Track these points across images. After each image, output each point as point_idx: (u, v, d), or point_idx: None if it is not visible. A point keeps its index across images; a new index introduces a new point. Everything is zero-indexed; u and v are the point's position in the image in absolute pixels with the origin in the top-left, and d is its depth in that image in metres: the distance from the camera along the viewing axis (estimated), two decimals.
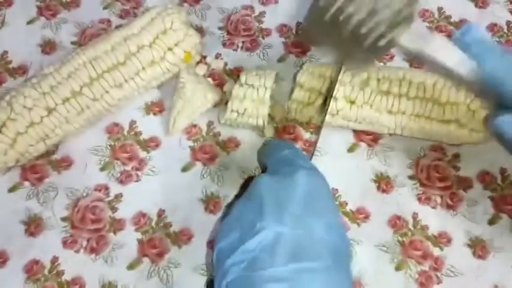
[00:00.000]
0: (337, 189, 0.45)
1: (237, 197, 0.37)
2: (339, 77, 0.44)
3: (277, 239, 0.32)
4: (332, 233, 0.33)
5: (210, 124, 0.49)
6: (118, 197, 0.46)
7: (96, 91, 0.46)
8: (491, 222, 0.44)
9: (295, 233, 0.32)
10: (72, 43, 0.54)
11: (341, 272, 0.32)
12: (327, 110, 0.45)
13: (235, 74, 0.51)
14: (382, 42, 0.33)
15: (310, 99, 0.47)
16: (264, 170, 0.40)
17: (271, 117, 0.48)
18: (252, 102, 0.46)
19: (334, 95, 0.45)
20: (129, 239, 0.44)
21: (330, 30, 0.35)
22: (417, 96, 0.44)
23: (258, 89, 0.46)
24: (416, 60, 0.35)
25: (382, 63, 0.52)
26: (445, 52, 0.33)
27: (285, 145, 0.40)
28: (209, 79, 0.51)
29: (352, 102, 0.45)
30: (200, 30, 0.54)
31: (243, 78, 0.47)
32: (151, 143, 0.48)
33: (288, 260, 0.31)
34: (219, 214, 0.45)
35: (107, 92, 0.46)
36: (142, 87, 0.48)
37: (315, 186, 0.35)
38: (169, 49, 0.48)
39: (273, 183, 0.35)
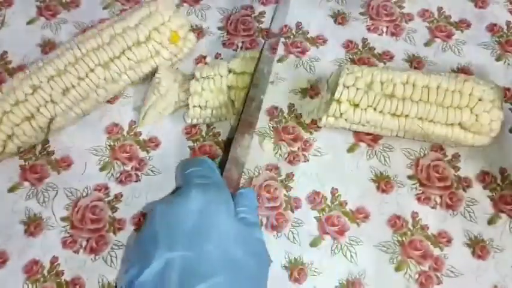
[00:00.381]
0: (336, 189, 0.45)
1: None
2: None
3: (168, 267, 0.32)
4: (230, 246, 0.33)
5: (210, 124, 0.49)
6: (118, 196, 0.46)
7: (80, 69, 0.46)
8: (491, 222, 0.44)
9: (186, 256, 0.32)
10: None
11: (239, 283, 0.33)
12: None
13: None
14: None
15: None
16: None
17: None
18: (211, 93, 0.46)
19: (338, 98, 0.45)
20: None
21: None
22: (421, 100, 0.44)
23: (213, 79, 0.47)
24: None
25: (382, 64, 0.52)
26: None
27: (189, 163, 0.41)
28: None
29: (356, 105, 0.45)
30: (200, 30, 0.54)
31: (197, 73, 0.47)
32: (151, 143, 0.48)
33: (178, 286, 0.31)
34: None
35: (91, 70, 0.46)
36: (130, 69, 0.48)
37: (209, 203, 0.35)
38: (155, 29, 0.48)
39: (167, 208, 0.36)
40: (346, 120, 0.46)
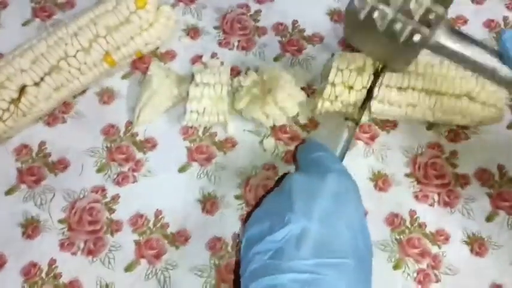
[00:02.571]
0: None
1: (269, 192, 0.38)
2: (380, 79, 0.45)
3: (304, 234, 0.32)
4: (357, 235, 0.34)
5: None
6: (115, 198, 0.46)
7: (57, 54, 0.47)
8: (489, 219, 0.44)
9: (322, 230, 0.33)
10: None
11: (361, 273, 0.33)
12: (364, 108, 0.44)
13: (231, 73, 0.51)
14: (417, 38, 0.35)
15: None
16: (297, 167, 0.40)
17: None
18: (210, 100, 0.46)
19: (333, 80, 0.45)
20: (126, 240, 0.44)
21: (366, 31, 0.37)
22: (426, 72, 0.44)
23: (214, 86, 0.46)
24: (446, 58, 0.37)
25: None
26: (484, 55, 0.36)
27: (317, 147, 0.40)
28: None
29: (351, 87, 0.45)
30: (196, 30, 0.54)
31: (197, 77, 0.46)
32: (148, 144, 0.48)
33: (311, 254, 0.32)
34: (217, 214, 0.45)
35: (65, 44, 0.47)
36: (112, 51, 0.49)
37: (344, 189, 0.36)
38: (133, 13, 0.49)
39: (305, 181, 0.36)
40: (341, 103, 0.46)
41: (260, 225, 0.34)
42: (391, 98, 0.45)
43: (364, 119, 0.48)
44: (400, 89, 0.45)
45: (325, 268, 0.32)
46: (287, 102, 0.46)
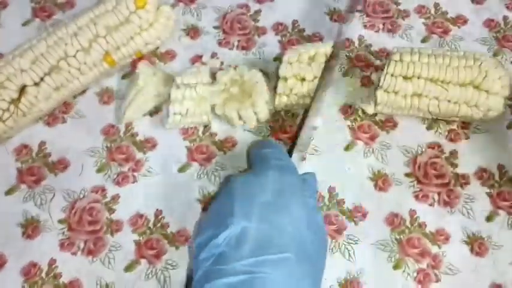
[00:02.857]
0: (334, 188, 0.45)
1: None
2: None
3: (243, 234, 0.33)
4: (302, 229, 0.34)
5: (206, 124, 0.49)
6: (115, 198, 0.46)
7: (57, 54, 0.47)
8: (489, 218, 0.44)
9: (261, 227, 0.34)
10: None
11: (306, 266, 0.33)
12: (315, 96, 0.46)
13: None
14: None
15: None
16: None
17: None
18: (193, 101, 0.46)
19: (284, 75, 0.46)
20: (126, 240, 0.44)
21: None
22: (430, 62, 0.45)
23: (195, 87, 0.46)
24: None
25: (379, 61, 0.52)
26: None
27: (264, 144, 0.41)
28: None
29: (303, 79, 0.46)
30: (195, 30, 0.54)
31: (178, 79, 0.46)
32: (148, 144, 0.48)
33: (251, 253, 0.32)
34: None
35: (65, 44, 0.47)
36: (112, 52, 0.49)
37: (286, 185, 0.37)
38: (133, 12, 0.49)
39: (244, 181, 0.37)
40: (296, 95, 0.46)
41: (206, 231, 0.35)
42: (396, 87, 0.45)
43: (369, 113, 0.48)
44: (405, 78, 0.45)
45: (264, 265, 0.32)
46: (263, 108, 0.47)
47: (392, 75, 0.45)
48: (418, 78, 0.45)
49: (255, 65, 0.51)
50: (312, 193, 0.40)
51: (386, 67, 0.45)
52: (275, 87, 0.47)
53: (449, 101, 0.45)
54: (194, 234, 0.43)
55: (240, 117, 0.47)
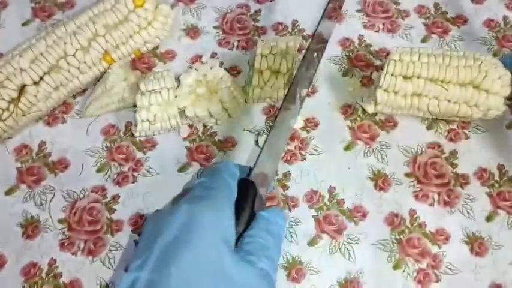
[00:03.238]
0: (334, 188, 0.45)
1: None
2: None
3: (133, 285, 0.31)
4: (201, 276, 0.31)
5: (206, 124, 0.49)
6: (115, 198, 0.46)
7: (55, 54, 0.47)
8: (489, 218, 0.44)
9: (151, 278, 0.31)
10: None
11: None
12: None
13: (231, 73, 0.51)
14: None
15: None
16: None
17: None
18: (159, 107, 0.46)
19: (258, 68, 0.48)
20: (126, 240, 0.44)
21: None
22: (430, 61, 0.44)
23: (161, 92, 0.46)
24: None
25: (379, 61, 0.52)
26: None
27: (204, 172, 0.40)
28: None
29: (278, 72, 0.47)
30: (195, 30, 0.54)
31: (142, 86, 0.46)
32: (148, 144, 0.48)
33: None
34: None
35: (65, 43, 0.47)
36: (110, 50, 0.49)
37: (195, 216, 0.33)
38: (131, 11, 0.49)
39: (155, 218, 0.35)
40: (271, 87, 0.47)
41: (118, 270, 0.35)
42: (396, 86, 0.45)
43: (369, 112, 0.48)
44: (405, 77, 0.45)
45: None
46: (231, 103, 0.47)
47: (392, 74, 0.45)
48: (418, 77, 0.44)
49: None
50: (261, 244, 0.34)
51: (386, 67, 0.45)
52: (251, 80, 0.48)
53: (449, 101, 0.45)
54: None
55: (211, 115, 0.47)
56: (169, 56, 0.53)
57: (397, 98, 0.45)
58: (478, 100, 0.44)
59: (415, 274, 0.42)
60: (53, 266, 0.43)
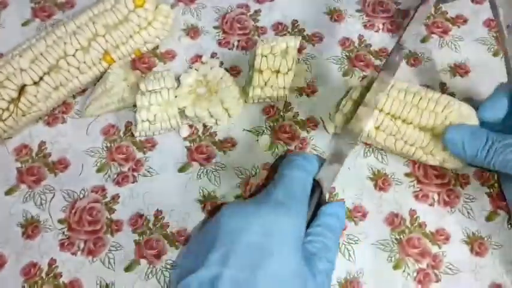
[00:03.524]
0: (333, 187, 0.45)
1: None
2: None
3: (218, 280, 0.30)
4: (285, 281, 0.31)
5: (206, 124, 0.49)
6: (115, 198, 0.46)
7: (55, 54, 0.47)
8: (489, 218, 0.44)
9: (237, 276, 0.31)
10: None
11: None
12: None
13: (231, 73, 0.51)
14: None
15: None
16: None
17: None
18: (159, 107, 0.46)
19: (259, 67, 0.47)
20: (126, 240, 0.44)
21: None
22: (397, 97, 0.42)
23: (161, 92, 0.46)
24: None
25: (379, 61, 0.52)
26: None
27: (289, 164, 0.37)
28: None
29: (278, 72, 0.47)
30: (195, 30, 0.54)
31: (142, 86, 0.46)
32: (148, 144, 0.48)
33: None
34: (217, 215, 0.45)
35: (65, 43, 0.47)
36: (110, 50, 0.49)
37: (275, 224, 0.33)
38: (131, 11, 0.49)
39: (234, 216, 0.33)
40: (271, 87, 0.47)
41: (187, 260, 0.33)
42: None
43: (329, 132, 0.46)
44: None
45: None
46: (232, 103, 0.47)
47: (356, 100, 0.44)
48: (380, 111, 0.43)
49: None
50: (326, 237, 0.35)
51: (351, 92, 0.44)
52: (251, 80, 0.48)
53: (405, 142, 0.43)
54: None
55: (211, 115, 0.47)
56: (169, 56, 0.53)
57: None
58: (433, 149, 0.42)
59: (415, 274, 0.42)
60: (53, 266, 0.43)
